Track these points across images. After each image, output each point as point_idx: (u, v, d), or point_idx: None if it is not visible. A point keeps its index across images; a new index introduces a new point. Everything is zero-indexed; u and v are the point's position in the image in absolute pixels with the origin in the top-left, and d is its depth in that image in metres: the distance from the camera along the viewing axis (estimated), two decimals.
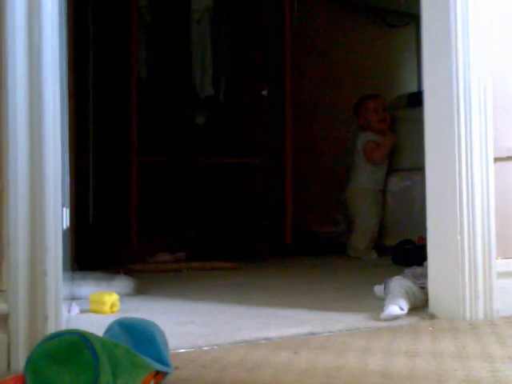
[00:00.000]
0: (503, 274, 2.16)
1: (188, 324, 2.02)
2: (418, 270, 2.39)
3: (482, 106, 2.13)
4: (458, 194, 2.10)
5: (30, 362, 1.20)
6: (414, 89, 5.04)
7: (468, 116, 2.11)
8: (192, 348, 1.71)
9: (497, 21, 2.22)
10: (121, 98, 3.97)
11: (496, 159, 2.17)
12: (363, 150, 4.31)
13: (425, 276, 2.21)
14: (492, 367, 1.49)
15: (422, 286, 2.24)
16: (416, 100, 3.93)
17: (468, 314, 2.07)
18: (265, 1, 4.33)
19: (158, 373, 1.33)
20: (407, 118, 4.27)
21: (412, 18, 5.15)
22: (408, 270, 2.43)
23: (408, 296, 2.17)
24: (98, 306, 2.23)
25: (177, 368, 1.44)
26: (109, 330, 1.41)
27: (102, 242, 3.70)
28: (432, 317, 2.10)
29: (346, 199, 4.38)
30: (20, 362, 1.47)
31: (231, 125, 4.45)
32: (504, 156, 2.21)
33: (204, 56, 4.34)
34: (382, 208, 4.33)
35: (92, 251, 3.48)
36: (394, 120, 4.44)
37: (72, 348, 1.20)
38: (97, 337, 1.26)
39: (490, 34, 2.17)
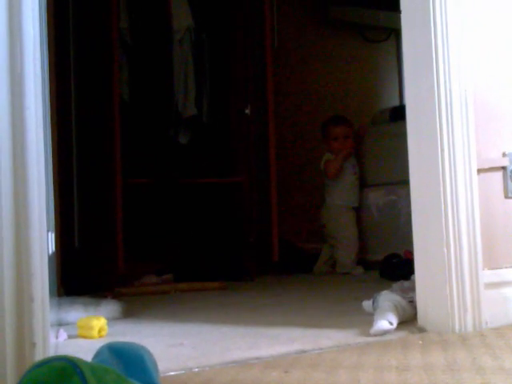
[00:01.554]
0: (490, 285, 2.16)
1: (177, 346, 2.01)
2: (406, 283, 2.39)
3: (464, 118, 2.15)
4: (442, 207, 2.11)
5: None
6: (396, 103, 5.07)
7: (450, 129, 2.13)
8: (182, 370, 1.70)
9: (477, 31, 2.23)
10: (104, 120, 3.97)
11: (479, 170, 2.18)
12: (323, 171, 4.41)
13: (413, 290, 2.21)
14: (483, 379, 1.49)
15: (410, 299, 2.24)
16: (398, 114, 3.95)
17: (457, 327, 2.07)
18: (246, 20, 4.35)
19: None
20: (390, 132, 4.29)
21: (392, 33, 5.20)
22: (396, 285, 2.43)
23: (397, 310, 2.17)
24: (86, 331, 2.21)
25: None
26: (98, 354, 1.39)
27: (88, 266, 3.68)
28: (421, 330, 2.10)
29: (323, 219, 4.42)
30: None
31: (215, 144, 4.46)
32: (487, 167, 2.23)
33: (186, 76, 4.35)
34: (357, 225, 4.38)
35: (78, 275, 3.46)
36: (376, 134, 4.47)
37: (61, 375, 1.19)
38: (86, 362, 1.25)
39: (471, 46, 2.18)
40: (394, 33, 5.15)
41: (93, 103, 4.02)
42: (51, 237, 1.99)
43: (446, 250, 2.10)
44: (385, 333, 2.05)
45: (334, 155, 4.41)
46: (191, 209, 4.37)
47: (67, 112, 3.90)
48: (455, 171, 2.12)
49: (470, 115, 2.16)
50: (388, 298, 2.25)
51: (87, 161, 4.01)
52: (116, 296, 3.11)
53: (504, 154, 2.27)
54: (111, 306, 2.62)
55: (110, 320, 2.39)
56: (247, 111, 4.25)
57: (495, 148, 2.27)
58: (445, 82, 2.13)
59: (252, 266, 4.09)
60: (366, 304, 2.42)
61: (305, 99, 4.93)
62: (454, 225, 2.11)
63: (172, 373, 1.67)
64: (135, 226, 4.07)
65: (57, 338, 2.10)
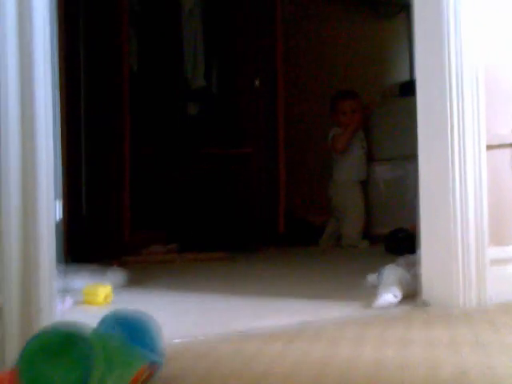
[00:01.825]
0: (496, 262, 2.16)
1: (182, 315, 2.02)
2: (411, 258, 2.39)
3: (474, 94, 2.13)
4: (450, 182, 2.11)
5: (24, 355, 1.20)
6: (406, 78, 5.04)
7: (460, 104, 2.11)
8: (186, 338, 1.71)
9: (489, 9, 2.21)
10: (113, 91, 3.96)
11: (488, 147, 2.17)
12: (330, 145, 4.39)
13: (418, 264, 2.22)
14: (486, 354, 1.50)
15: (414, 274, 2.24)
16: (408, 89, 3.93)
17: (461, 302, 2.08)
18: None
19: (152, 364, 1.33)
20: (399, 107, 4.27)
21: (403, 8, 5.15)
22: (401, 259, 2.44)
23: (401, 284, 2.17)
24: (92, 298, 2.23)
25: (171, 358, 1.44)
26: (103, 322, 1.41)
27: (95, 234, 3.70)
28: (425, 305, 2.11)
29: (330, 193, 4.43)
30: (14, 355, 1.46)
31: (224, 115, 4.45)
32: (496, 144, 2.22)
33: (196, 47, 4.33)
34: (364, 199, 4.38)
35: (85, 244, 3.47)
36: (385, 109, 4.45)
37: (66, 341, 1.20)
38: (91, 329, 1.26)
39: (482, 22, 2.16)
40: (406, 8, 5.10)
41: (102, 73, 4.00)
42: (58, 204, 1.99)
43: (452, 226, 2.10)
44: (389, 306, 2.06)
45: (342, 129, 4.39)
46: (198, 179, 4.37)
47: (76, 82, 3.89)
48: (464, 147, 2.11)
49: (481, 92, 2.15)
50: (393, 271, 2.25)
51: (96, 130, 4.00)
52: (122, 264, 3.13)
53: None
54: (117, 274, 2.63)
55: (116, 288, 2.41)
56: (257, 83, 4.23)
57: (505, 125, 2.26)
58: (456, 58, 2.11)
59: (258, 237, 4.10)
60: (371, 277, 2.42)
61: (314, 73, 4.90)
62: (461, 200, 2.11)
63: (176, 340, 1.68)
64: (142, 195, 4.08)
65: (63, 304, 2.12)
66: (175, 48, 4.28)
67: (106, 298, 2.23)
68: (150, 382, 1.32)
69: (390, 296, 2.08)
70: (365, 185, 4.45)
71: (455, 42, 2.11)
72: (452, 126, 2.11)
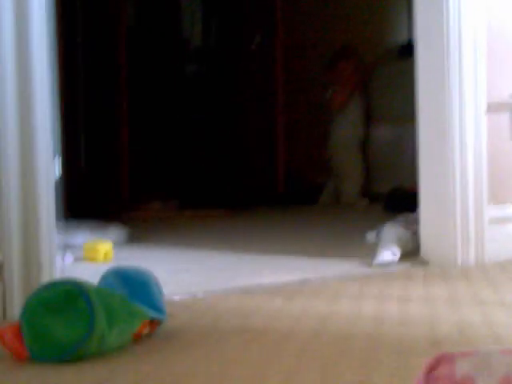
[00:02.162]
0: (495, 220, 2.17)
1: (182, 272, 2.03)
2: (411, 216, 2.40)
3: (474, 57, 2.11)
4: (449, 141, 2.10)
5: (26, 310, 1.20)
6: (404, 39, 4.99)
7: (459, 64, 2.10)
8: (187, 295, 1.72)
9: None
10: (110, 47, 3.92)
11: (488, 108, 2.16)
12: (328, 103, 4.37)
13: (417, 222, 2.22)
14: (483, 311, 1.51)
15: (414, 232, 2.25)
16: (407, 51, 3.89)
17: (459, 260, 2.09)
18: None
19: (153, 320, 1.34)
20: (398, 68, 4.24)
21: None
22: (400, 217, 2.44)
23: (400, 242, 2.18)
24: (92, 254, 2.24)
25: (172, 315, 1.45)
26: (103, 278, 1.41)
27: (94, 190, 3.70)
28: (424, 263, 2.12)
29: (329, 152, 4.42)
30: (15, 310, 1.47)
31: (222, 75, 4.42)
32: (495, 105, 2.20)
33: (194, 4, 4.27)
34: (363, 158, 4.38)
35: (85, 200, 3.47)
36: (384, 70, 4.42)
37: (67, 297, 1.21)
38: (92, 286, 1.27)
39: None
40: None
41: (98, 27, 3.96)
42: (57, 161, 1.99)
43: (451, 185, 2.10)
44: (388, 264, 2.07)
45: (340, 87, 4.37)
46: (199, 138, 4.35)
47: (73, 37, 3.85)
48: (464, 107, 2.10)
49: (480, 55, 2.12)
50: (392, 229, 2.26)
51: (93, 85, 3.98)
52: (122, 221, 3.13)
53: None
54: (117, 231, 2.64)
55: (116, 244, 2.41)
56: (256, 42, 4.20)
57: (506, 86, 2.24)
58: (455, 19, 2.09)
59: (258, 195, 4.10)
60: (370, 235, 2.43)
61: (313, 33, 4.85)
62: (460, 159, 2.10)
63: (176, 297, 1.69)
64: (141, 152, 4.07)
65: (63, 260, 2.13)
66: (173, 5, 4.23)
67: (106, 254, 2.24)
68: (151, 338, 1.34)
69: (388, 254, 2.09)
70: (364, 144, 4.45)
71: (454, 2, 2.08)
72: (450, 87, 2.10)
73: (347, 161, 4.34)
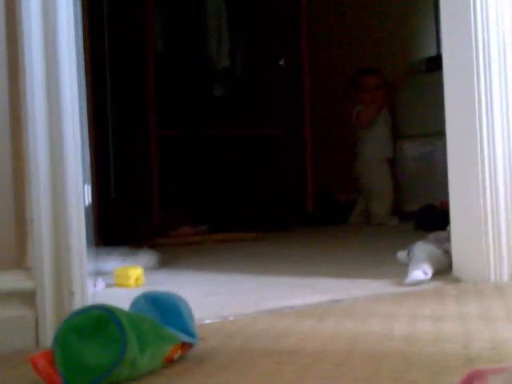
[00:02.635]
0: None
1: (213, 295, 2.03)
2: (441, 234, 2.38)
3: (502, 68, 2.10)
4: (479, 157, 2.09)
5: (58, 337, 1.21)
6: (433, 52, 4.99)
7: (488, 78, 2.09)
8: (217, 318, 1.72)
9: None
10: (138, 73, 3.97)
11: None
12: (354, 121, 4.38)
13: (448, 240, 2.21)
14: None
15: (445, 250, 2.23)
16: (435, 64, 3.89)
17: (492, 277, 2.07)
18: None
19: (184, 344, 1.35)
20: (427, 82, 4.23)
21: None
22: (431, 235, 2.42)
23: (432, 260, 2.16)
24: (123, 280, 2.25)
25: (202, 339, 1.45)
26: (134, 303, 1.42)
27: (125, 217, 3.73)
28: (456, 280, 2.10)
29: (357, 172, 4.42)
30: (48, 337, 1.49)
31: (250, 96, 4.44)
32: None
33: (220, 27, 4.32)
34: (392, 176, 4.37)
35: (116, 226, 3.50)
36: (412, 85, 4.41)
37: (99, 322, 1.22)
38: (123, 311, 1.27)
39: None
40: None
41: (127, 55, 4.02)
42: (87, 189, 2.01)
43: (482, 201, 2.08)
44: (419, 283, 2.05)
45: (366, 106, 4.37)
46: (227, 160, 4.37)
47: (101, 65, 3.91)
48: (492, 121, 2.09)
49: (509, 64, 2.12)
50: (423, 248, 2.24)
51: (122, 113, 4.02)
52: (152, 246, 3.15)
53: None
54: (148, 256, 2.65)
55: (147, 270, 2.43)
56: (281, 63, 4.22)
57: None
58: (482, 30, 2.08)
59: (287, 216, 4.10)
60: (401, 254, 2.42)
61: (340, 50, 4.87)
62: (490, 175, 2.09)
63: (207, 321, 1.69)
64: (171, 177, 4.09)
65: (95, 287, 2.14)
66: (199, 29, 4.27)
67: (137, 280, 2.25)
68: (182, 362, 1.34)
69: (420, 273, 2.07)
70: (393, 162, 4.43)
71: (481, 13, 2.08)
72: (480, 100, 2.09)
73: (376, 179, 4.33)
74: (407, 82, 4.50)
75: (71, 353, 1.19)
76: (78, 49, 1.65)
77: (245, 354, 1.39)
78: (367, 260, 2.64)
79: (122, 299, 1.59)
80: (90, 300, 1.63)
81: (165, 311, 1.38)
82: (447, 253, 2.21)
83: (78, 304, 1.54)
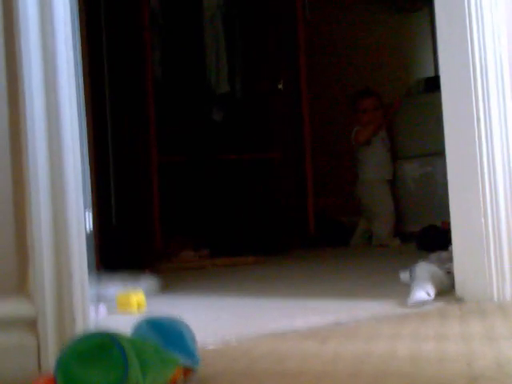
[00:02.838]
0: None
1: (215, 319, 2.03)
2: (443, 254, 2.38)
3: (499, 86, 2.11)
4: (479, 177, 2.09)
5: (60, 363, 1.21)
6: (430, 73, 5.01)
7: (486, 97, 2.10)
8: (220, 343, 1.71)
9: None
10: (138, 99, 3.99)
11: None
12: (353, 142, 4.40)
13: (450, 260, 2.20)
14: None
15: (447, 270, 2.22)
16: (433, 84, 3.91)
17: (495, 296, 2.06)
18: None
19: (187, 368, 1.34)
20: (425, 103, 4.25)
21: (425, 2, 5.12)
22: (433, 255, 2.42)
23: (434, 281, 2.16)
24: (125, 307, 2.24)
25: (205, 363, 1.45)
26: (137, 328, 1.41)
27: (126, 243, 3.73)
28: (459, 300, 2.09)
29: (357, 194, 4.42)
30: (50, 363, 1.48)
31: (249, 120, 4.46)
32: None
33: (218, 53, 4.34)
34: (393, 197, 4.37)
35: (117, 252, 3.50)
36: (411, 105, 4.43)
37: (101, 348, 1.21)
38: (125, 335, 1.27)
39: (506, 13, 2.14)
40: (428, 2, 5.07)
41: (126, 82, 4.04)
42: (88, 215, 2.01)
43: (483, 220, 2.08)
44: (422, 303, 2.04)
45: (364, 127, 4.39)
46: (227, 185, 4.38)
47: (101, 92, 3.93)
48: (492, 141, 2.10)
49: (507, 83, 2.13)
50: (425, 268, 2.24)
51: (122, 140, 4.04)
52: (154, 271, 3.14)
53: None
54: (149, 282, 2.65)
55: (149, 295, 2.42)
56: (280, 86, 4.24)
57: None
58: (479, 50, 2.10)
59: (288, 239, 4.10)
60: (403, 275, 2.41)
61: (338, 72, 4.89)
62: (491, 194, 2.09)
63: (211, 346, 1.68)
64: (171, 202, 4.10)
65: (96, 312, 2.14)
66: (198, 55, 4.30)
67: (139, 305, 2.25)
68: None
69: (423, 293, 2.06)
70: (393, 183, 4.44)
71: (478, 34, 2.09)
72: (478, 119, 2.09)
73: (377, 201, 4.34)
74: (406, 102, 4.52)
75: (73, 378, 1.19)
76: (77, 76, 1.65)
77: (248, 376, 1.39)
78: (369, 281, 2.63)
79: (124, 324, 1.59)
80: (92, 326, 1.62)
81: (167, 336, 1.38)
82: (450, 273, 2.21)
83: (79, 330, 1.54)
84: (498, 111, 2.11)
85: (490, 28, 2.10)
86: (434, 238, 3.40)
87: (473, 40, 2.10)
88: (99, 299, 2.28)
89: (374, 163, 4.39)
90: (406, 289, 2.18)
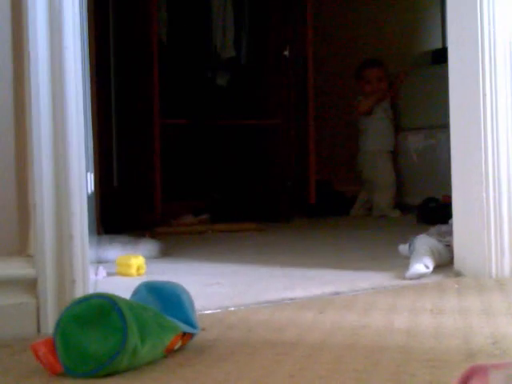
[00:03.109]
0: None
1: (214, 285, 2.04)
2: (443, 227, 2.38)
3: (507, 62, 2.10)
4: (483, 152, 2.08)
5: (59, 325, 1.21)
6: (438, 45, 4.97)
7: (493, 71, 2.08)
8: (218, 309, 1.72)
9: None
10: (142, 61, 3.96)
11: None
12: (355, 110, 4.39)
13: (450, 234, 2.20)
14: None
15: (447, 243, 2.23)
16: (441, 56, 3.88)
17: (494, 271, 2.07)
18: None
19: (184, 334, 1.35)
20: (432, 75, 4.22)
21: None
22: (433, 229, 2.42)
23: (433, 254, 2.16)
24: (125, 269, 2.25)
25: (203, 329, 1.46)
26: (136, 292, 1.42)
27: (127, 206, 3.73)
28: (457, 274, 2.10)
29: (359, 164, 4.42)
30: (49, 325, 1.49)
31: (253, 86, 4.43)
32: None
33: (225, 17, 4.30)
34: (395, 168, 4.37)
35: (117, 215, 3.50)
36: (417, 77, 4.40)
37: (100, 311, 1.22)
38: (124, 300, 1.27)
39: None
40: None
41: (131, 43, 4.01)
42: (90, 177, 2.01)
43: (484, 195, 2.08)
44: (420, 276, 2.05)
45: (366, 97, 4.37)
46: (229, 150, 4.37)
47: (105, 53, 3.90)
48: (497, 116, 2.08)
49: None
50: (424, 241, 2.24)
51: (125, 102, 4.02)
52: (154, 235, 3.15)
53: None
54: (149, 245, 2.65)
55: (148, 259, 2.43)
56: (286, 53, 4.20)
57: None
58: (489, 23, 2.07)
59: (289, 208, 4.10)
60: (402, 247, 2.42)
61: (344, 41, 4.85)
62: (494, 169, 2.08)
63: (208, 311, 1.69)
64: (173, 166, 4.09)
65: (96, 275, 2.15)
66: (204, 18, 4.26)
67: (138, 268, 2.26)
68: (183, 352, 1.34)
69: (421, 266, 2.07)
70: (396, 154, 4.43)
71: (488, 6, 2.07)
72: (484, 94, 2.08)
73: (378, 172, 4.33)
74: (412, 74, 4.49)
75: (72, 341, 1.19)
76: (83, 37, 1.64)
77: (245, 345, 1.40)
78: (368, 252, 2.64)
79: (123, 288, 1.60)
80: (92, 288, 1.63)
81: (166, 301, 1.38)
82: (449, 246, 2.21)
83: (79, 292, 1.54)
84: (505, 87, 2.09)
85: (501, 2, 2.08)
86: (434, 211, 3.40)
87: (482, 13, 2.07)
88: (99, 262, 2.29)
89: (375, 134, 4.38)
90: (405, 261, 2.19)
